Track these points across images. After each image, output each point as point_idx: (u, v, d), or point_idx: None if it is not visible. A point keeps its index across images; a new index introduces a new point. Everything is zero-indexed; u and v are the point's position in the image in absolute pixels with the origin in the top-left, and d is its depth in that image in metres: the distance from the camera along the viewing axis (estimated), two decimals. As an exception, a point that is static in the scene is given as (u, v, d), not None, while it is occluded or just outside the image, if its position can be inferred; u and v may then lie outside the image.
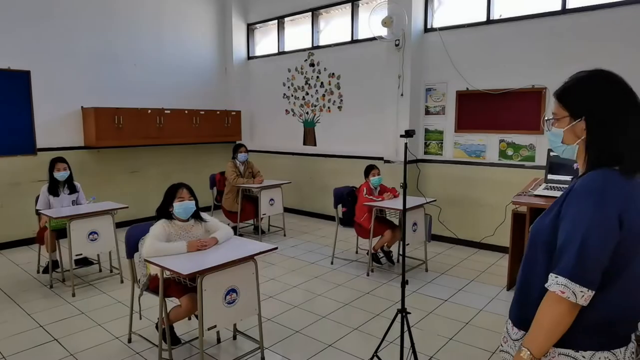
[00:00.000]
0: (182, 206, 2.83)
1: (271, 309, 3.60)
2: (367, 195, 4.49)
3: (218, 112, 7.09)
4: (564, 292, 1.16)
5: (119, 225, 4.34)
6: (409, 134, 2.44)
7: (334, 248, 4.88)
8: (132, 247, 2.96)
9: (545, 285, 1.21)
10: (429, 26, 5.58)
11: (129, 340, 3.12)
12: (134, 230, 3.01)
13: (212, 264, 2.53)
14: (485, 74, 5.14)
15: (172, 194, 2.86)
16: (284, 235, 5.90)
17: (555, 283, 1.18)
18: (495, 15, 5.11)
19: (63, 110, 5.79)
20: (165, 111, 6.41)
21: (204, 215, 3.01)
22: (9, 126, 5.34)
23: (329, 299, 3.88)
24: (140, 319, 3.10)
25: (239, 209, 5.61)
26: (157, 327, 2.94)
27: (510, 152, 5.07)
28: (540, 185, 3.31)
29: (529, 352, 1.23)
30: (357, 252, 5.12)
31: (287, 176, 6.84)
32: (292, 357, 2.92)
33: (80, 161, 5.88)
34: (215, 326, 2.59)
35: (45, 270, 4.31)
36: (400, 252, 4.52)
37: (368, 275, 4.43)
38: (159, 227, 2.81)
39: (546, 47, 4.70)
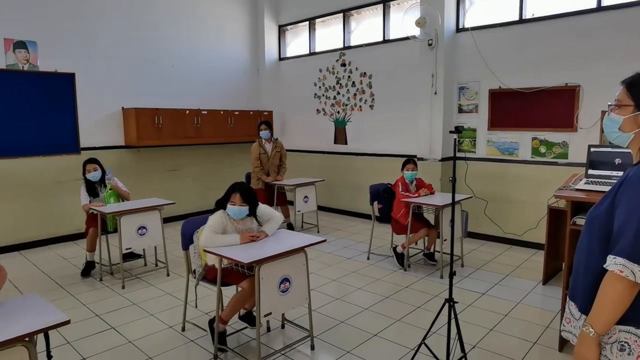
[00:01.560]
0: (232, 210, 2.94)
1: (315, 301, 3.72)
2: (402, 192, 4.57)
3: (251, 113, 7.27)
4: (622, 271, 1.24)
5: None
6: (458, 130, 2.53)
7: (370, 244, 4.98)
8: (187, 240, 3.13)
9: (604, 266, 1.29)
10: (460, 26, 5.64)
11: (183, 329, 3.28)
12: (188, 224, 3.16)
13: (268, 254, 2.67)
14: (517, 72, 5.18)
15: (228, 194, 2.98)
16: (318, 231, 6.03)
17: (614, 263, 1.26)
18: (527, 15, 5.15)
19: (105, 111, 6.04)
20: (202, 112, 6.63)
21: (260, 206, 3.10)
22: (55, 126, 5.60)
23: (369, 292, 3.99)
24: (196, 307, 3.27)
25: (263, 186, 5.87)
26: (210, 325, 3.06)
27: (543, 149, 5.10)
28: (580, 180, 3.35)
29: (592, 330, 1.32)
30: (391, 248, 5.21)
31: (318, 174, 6.98)
32: (341, 345, 3.04)
33: (120, 160, 6.13)
34: (270, 313, 2.73)
35: (84, 273, 4.46)
36: (437, 249, 4.63)
37: (405, 270, 4.52)
38: (216, 218, 2.95)
39: (580, 45, 4.72)
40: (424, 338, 2.71)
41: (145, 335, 3.22)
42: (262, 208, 3.15)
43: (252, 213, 3.05)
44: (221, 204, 3.00)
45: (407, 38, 5.73)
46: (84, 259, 4.61)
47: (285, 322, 3.33)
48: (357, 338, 3.14)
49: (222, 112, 6.86)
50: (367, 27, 6.74)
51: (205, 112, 6.67)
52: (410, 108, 6.08)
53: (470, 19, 5.60)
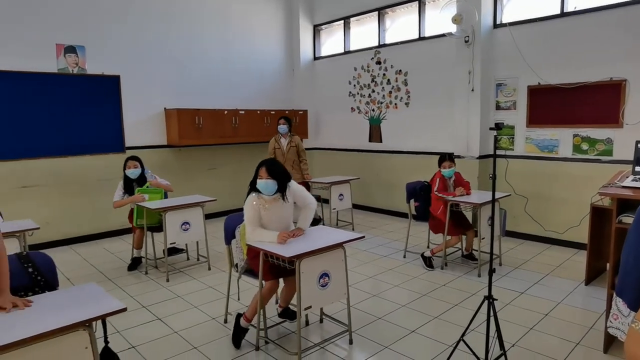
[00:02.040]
0: (261, 184, 2.94)
1: (352, 297, 3.75)
2: (437, 192, 4.52)
3: (287, 112, 7.38)
4: None
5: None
6: (498, 126, 2.53)
7: (407, 242, 4.99)
8: (230, 234, 3.25)
9: None
10: (498, 22, 5.55)
11: (225, 321, 3.40)
12: (230, 220, 3.29)
13: (308, 249, 2.75)
14: (558, 67, 5.05)
15: (256, 170, 3.00)
16: (352, 229, 6.07)
17: None
18: (569, 8, 5.01)
19: (148, 112, 6.29)
20: (240, 112, 6.80)
21: (292, 184, 3.09)
22: (102, 127, 5.89)
23: (406, 290, 4.01)
24: (238, 299, 3.38)
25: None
26: (237, 319, 3.12)
27: (585, 146, 4.96)
28: (627, 177, 3.26)
29: None
30: (428, 247, 5.19)
31: (353, 173, 7.03)
32: (379, 340, 3.08)
33: (163, 159, 6.38)
34: (310, 307, 2.81)
35: (130, 267, 4.66)
36: (475, 248, 4.59)
37: (442, 268, 4.51)
38: (250, 210, 2.99)
39: (626, 38, 4.56)
40: (463, 335, 2.72)
41: (189, 326, 3.36)
42: (296, 188, 3.12)
43: (282, 190, 3.01)
44: (252, 184, 3.04)
45: (443, 35, 5.69)
46: (130, 253, 4.83)
47: (323, 316, 3.40)
48: (395, 334, 3.17)
49: (258, 112, 7.01)
50: (402, 25, 6.73)
51: (243, 112, 6.83)
52: (446, 105, 6.03)
53: (508, 15, 5.50)
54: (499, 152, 5.57)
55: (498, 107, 5.60)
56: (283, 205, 3.04)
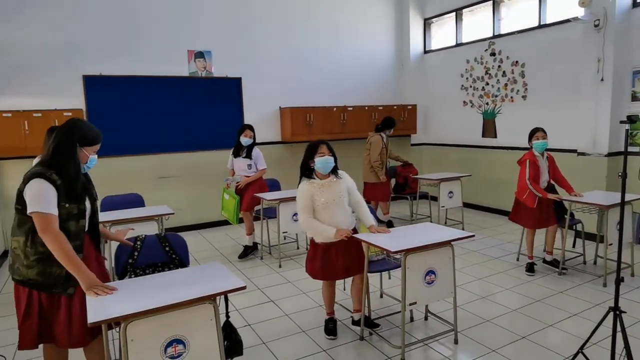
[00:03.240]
0: (322, 161, 2.91)
1: (459, 297, 3.67)
2: (529, 182, 4.03)
3: (395, 107, 7.38)
4: None
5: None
6: (631, 119, 2.29)
7: (521, 244, 4.69)
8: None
9: None
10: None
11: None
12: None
13: (415, 245, 2.76)
14: None
15: (313, 149, 2.97)
16: (462, 229, 5.86)
17: None
18: None
19: (265, 110, 6.77)
20: (348, 108, 6.97)
21: (340, 172, 3.08)
22: (226, 124, 6.46)
23: (518, 294, 3.80)
24: (344, 289, 3.53)
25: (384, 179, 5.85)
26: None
27: None
28: None
29: None
30: (544, 250, 4.84)
31: (463, 169, 6.78)
32: (486, 343, 2.99)
33: (277, 154, 6.81)
34: (415, 303, 2.83)
35: (242, 256, 5.02)
36: (600, 254, 4.17)
37: (560, 274, 4.17)
38: (302, 197, 2.95)
39: None
40: (582, 347, 2.52)
41: (298, 311, 3.59)
42: (351, 179, 3.12)
43: (335, 170, 3.02)
44: (305, 167, 3.02)
45: (567, 21, 5.20)
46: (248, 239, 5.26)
47: (428, 314, 3.38)
48: (504, 338, 3.05)
49: (366, 108, 7.11)
50: (519, 13, 6.28)
51: (351, 109, 6.99)
52: (569, 97, 5.51)
53: (653, -8, 4.84)
54: (632, 148, 4.95)
55: (635, 98, 4.96)
56: (337, 183, 3.00)
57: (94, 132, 2.24)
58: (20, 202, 2.07)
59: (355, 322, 3.23)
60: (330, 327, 3.16)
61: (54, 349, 2.30)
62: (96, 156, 2.28)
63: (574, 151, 5.32)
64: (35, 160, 2.54)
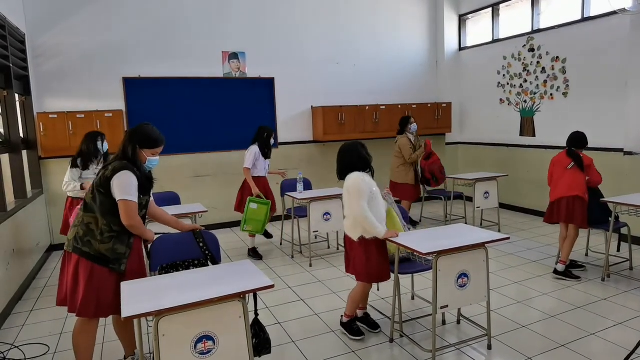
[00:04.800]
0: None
1: (493, 301, 3.57)
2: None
3: (429, 105, 7.25)
4: None
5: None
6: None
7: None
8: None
9: None
10: (694, -10, 4.60)
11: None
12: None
13: (448, 247, 2.70)
14: None
15: (363, 149, 3.10)
16: (499, 230, 5.68)
17: None
18: None
19: (297, 110, 6.80)
20: (381, 107, 6.90)
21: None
22: (259, 124, 6.44)
23: (557, 300, 3.64)
24: (378, 289, 3.49)
25: (413, 181, 5.79)
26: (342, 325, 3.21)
27: None
28: None
29: None
30: (587, 255, 4.64)
31: (500, 169, 6.59)
32: (521, 350, 2.88)
33: (309, 153, 6.83)
34: (447, 306, 2.76)
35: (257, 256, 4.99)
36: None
37: (603, 280, 3.97)
38: (365, 186, 2.91)
39: None
40: (627, 359, 2.39)
41: (328, 310, 3.58)
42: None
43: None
44: (364, 160, 3.03)
45: (613, 13, 4.94)
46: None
47: (461, 318, 3.30)
48: (541, 345, 2.93)
49: (399, 107, 7.01)
50: (560, 7, 6.03)
51: (384, 107, 6.91)
52: (615, 94, 5.24)
53: None
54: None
55: (689, 95, 4.67)
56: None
57: (154, 135, 2.54)
58: (106, 187, 2.39)
59: (358, 319, 3.26)
60: (356, 328, 3.15)
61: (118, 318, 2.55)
62: (157, 158, 2.59)
63: (620, 150, 5.05)
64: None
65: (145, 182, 2.52)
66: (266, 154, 4.99)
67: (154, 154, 2.56)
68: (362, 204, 2.87)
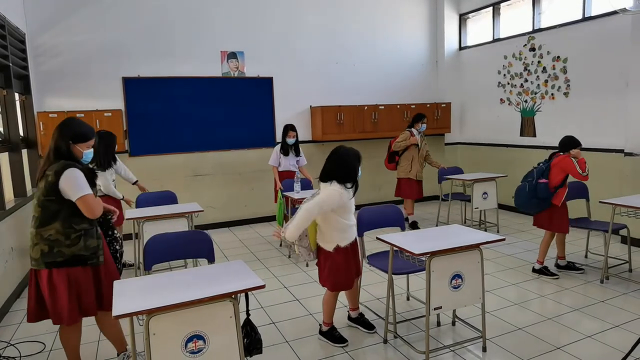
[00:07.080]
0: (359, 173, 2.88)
1: (490, 303, 3.54)
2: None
3: (428, 105, 7.22)
4: None
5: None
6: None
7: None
8: (363, 226, 3.34)
9: None
10: (695, -11, 4.55)
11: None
12: (365, 212, 3.42)
13: (441, 247, 2.67)
14: None
15: (358, 160, 2.88)
16: (497, 232, 5.67)
17: None
18: None
19: (296, 109, 6.78)
20: (380, 107, 6.88)
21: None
22: (257, 123, 6.54)
23: (554, 302, 3.61)
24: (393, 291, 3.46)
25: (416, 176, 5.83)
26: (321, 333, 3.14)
27: None
28: None
29: None
30: (586, 257, 4.61)
31: (500, 170, 6.55)
32: (516, 352, 2.85)
33: (307, 153, 6.71)
34: (440, 307, 2.74)
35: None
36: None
37: (602, 282, 3.94)
38: (334, 200, 2.76)
39: None
40: (622, 360, 2.36)
41: (322, 311, 3.55)
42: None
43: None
44: (354, 173, 2.86)
45: (614, 12, 4.90)
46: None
47: (456, 319, 3.27)
48: (536, 348, 2.90)
49: (398, 106, 6.99)
50: (561, 6, 5.99)
51: (383, 107, 6.89)
52: (616, 94, 5.20)
53: None
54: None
55: (690, 95, 4.62)
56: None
57: (85, 128, 2.49)
58: (56, 193, 2.31)
59: (352, 319, 3.27)
60: (338, 335, 3.08)
61: (105, 315, 2.56)
62: (91, 150, 2.52)
63: (621, 151, 5.01)
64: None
65: (89, 175, 2.44)
66: (286, 152, 5.34)
67: (88, 147, 2.49)
68: (313, 210, 2.74)
